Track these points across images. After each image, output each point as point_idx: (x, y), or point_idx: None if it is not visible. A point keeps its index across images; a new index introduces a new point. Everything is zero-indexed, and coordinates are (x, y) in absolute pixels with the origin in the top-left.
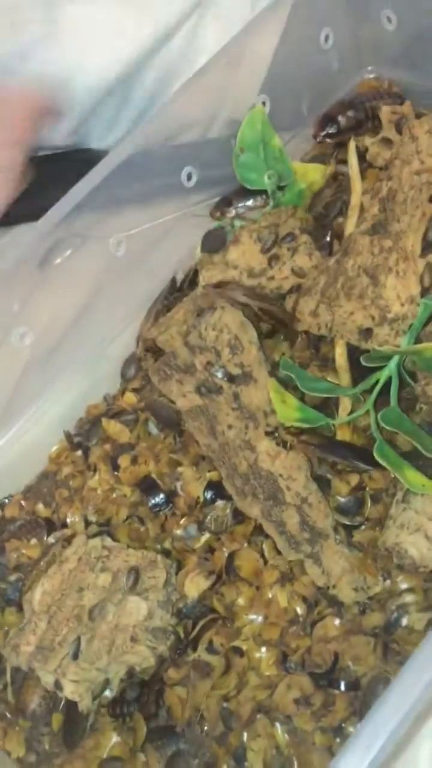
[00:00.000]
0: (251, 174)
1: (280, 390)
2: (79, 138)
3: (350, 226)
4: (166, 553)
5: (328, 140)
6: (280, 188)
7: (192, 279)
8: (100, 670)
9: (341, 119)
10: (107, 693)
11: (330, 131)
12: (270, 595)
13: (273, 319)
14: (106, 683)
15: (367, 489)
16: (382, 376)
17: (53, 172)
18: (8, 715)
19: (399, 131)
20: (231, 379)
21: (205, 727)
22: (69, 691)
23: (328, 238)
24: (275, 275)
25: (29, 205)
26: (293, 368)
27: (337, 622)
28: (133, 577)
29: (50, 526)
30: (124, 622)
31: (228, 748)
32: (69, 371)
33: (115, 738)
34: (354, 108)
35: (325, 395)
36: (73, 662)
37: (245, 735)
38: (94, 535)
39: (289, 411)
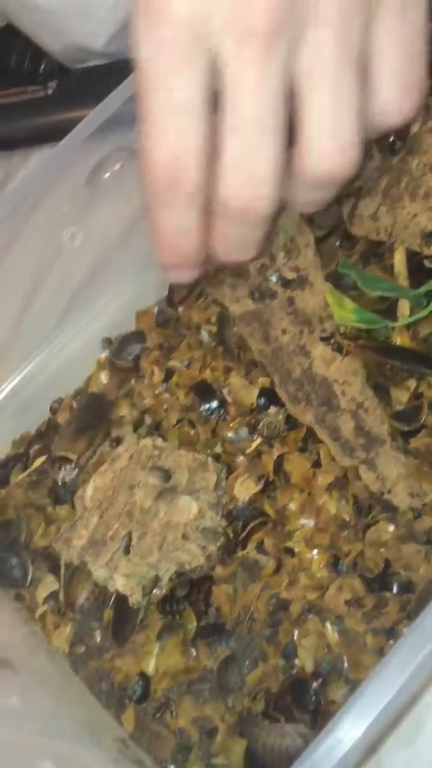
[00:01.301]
0: None
1: (337, 293)
2: (123, 46)
3: (415, 125)
4: (216, 458)
5: None
6: None
7: None
8: (151, 566)
9: None
10: (156, 592)
11: None
12: (321, 502)
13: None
14: (156, 580)
15: (426, 396)
16: None
17: (94, 86)
18: (60, 610)
19: None
20: (286, 283)
21: (254, 626)
22: (120, 584)
23: (390, 139)
24: None
25: (70, 120)
26: (352, 267)
27: (390, 528)
28: (162, 475)
29: (100, 428)
30: (175, 520)
31: (278, 646)
32: (120, 277)
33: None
34: None
35: (387, 294)
36: (124, 557)
37: (296, 633)
38: (145, 436)
39: (346, 313)
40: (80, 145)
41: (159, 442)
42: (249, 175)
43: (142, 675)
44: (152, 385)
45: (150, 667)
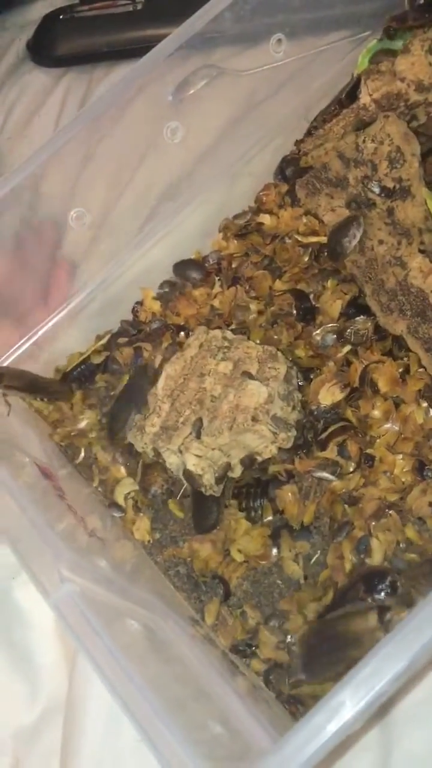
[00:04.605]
0: None
1: None
2: None
3: None
4: (296, 362)
5: None
6: None
7: (351, 92)
8: (222, 452)
9: None
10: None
11: None
12: (408, 411)
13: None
14: (228, 467)
15: None
16: None
17: (182, 3)
18: (138, 503)
19: None
20: (387, 193)
21: (330, 524)
22: (191, 463)
23: None
24: None
25: (156, 36)
26: None
27: None
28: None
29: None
30: (245, 403)
31: (351, 540)
32: (211, 183)
33: (243, 526)
34: None
35: None
36: (196, 440)
37: (372, 526)
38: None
39: None
40: (165, 61)
41: (228, 334)
42: None
43: (221, 578)
44: (239, 290)
45: (230, 554)
